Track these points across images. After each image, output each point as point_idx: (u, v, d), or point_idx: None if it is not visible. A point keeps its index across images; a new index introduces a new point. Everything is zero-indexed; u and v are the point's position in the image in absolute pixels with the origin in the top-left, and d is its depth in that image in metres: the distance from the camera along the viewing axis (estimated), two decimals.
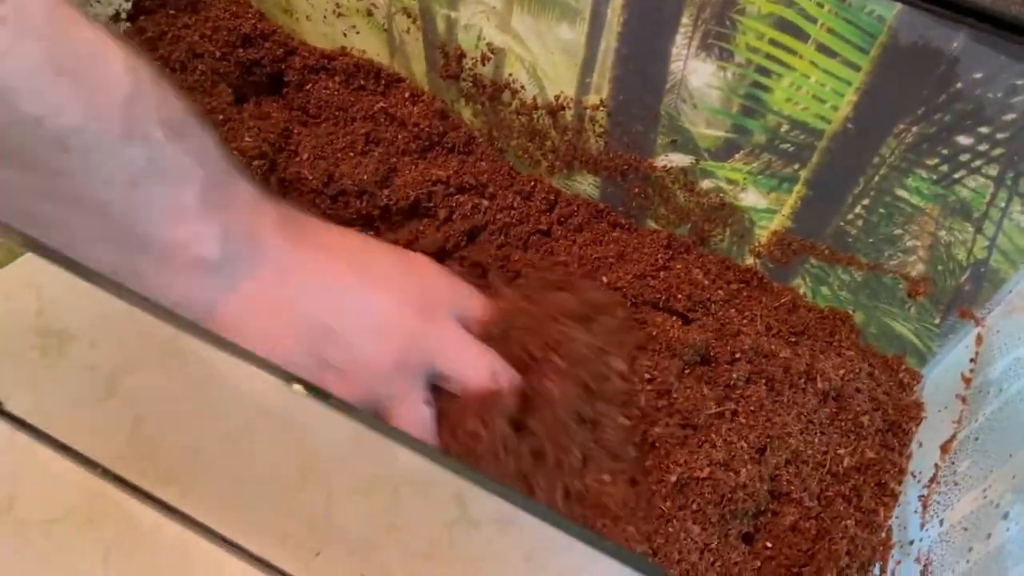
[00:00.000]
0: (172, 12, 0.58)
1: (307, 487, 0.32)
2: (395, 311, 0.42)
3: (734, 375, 0.52)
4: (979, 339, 0.50)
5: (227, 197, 0.39)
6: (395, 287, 0.43)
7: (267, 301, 0.40)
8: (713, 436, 0.49)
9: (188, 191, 0.36)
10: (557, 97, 0.55)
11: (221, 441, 0.34)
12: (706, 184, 0.54)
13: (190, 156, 0.36)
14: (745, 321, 0.55)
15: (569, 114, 0.55)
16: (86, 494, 0.38)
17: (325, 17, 0.59)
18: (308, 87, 0.59)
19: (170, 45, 0.56)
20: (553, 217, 0.59)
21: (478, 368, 0.44)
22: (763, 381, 0.52)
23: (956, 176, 0.46)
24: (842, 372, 0.53)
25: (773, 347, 0.53)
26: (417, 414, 0.43)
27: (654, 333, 0.53)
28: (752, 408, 0.51)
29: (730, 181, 0.53)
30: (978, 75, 0.41)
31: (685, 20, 0.46)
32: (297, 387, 0.26)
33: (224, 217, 0.38)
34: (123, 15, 0.58)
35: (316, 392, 0.26)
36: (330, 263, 0.42)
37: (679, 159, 0.54)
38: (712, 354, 0.53)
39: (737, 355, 0.53)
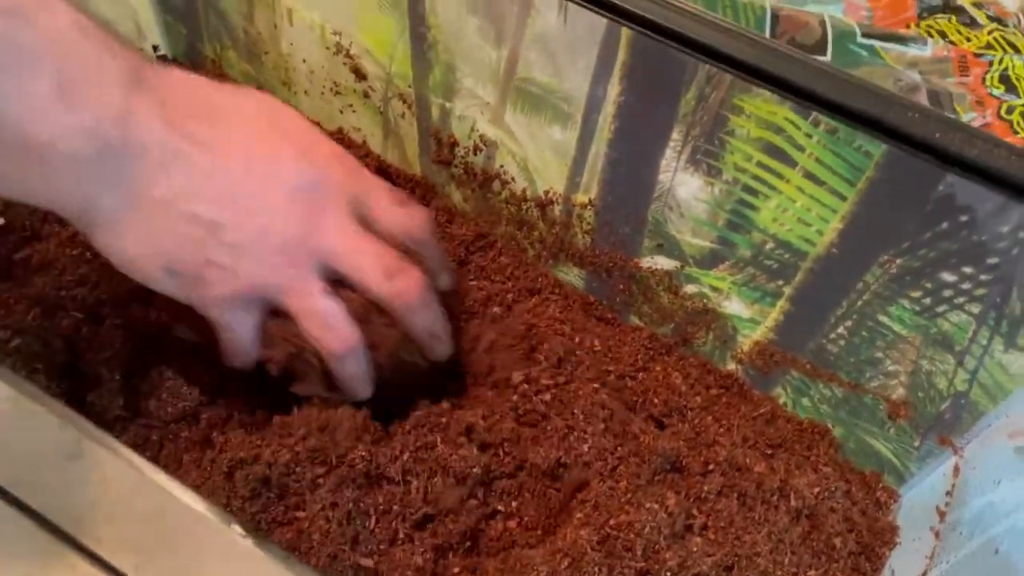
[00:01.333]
0: None
1: None
2: (284, 203, 0.39)
3: (705, 487, 0.51)
4: (956, 470, 0.50)
5: (92, 81, 0.34)
6: (289, 174, 0.40)
7: (146, 200, 0.37)
8: (680, 551, 0.48)
9: (41, 81, 0.33)
10: (547, 192, 0.55)
11: None
12: (690, 288, 0.54)
13: (44, 39, 0.33)
14: (722, 430, 0.54)
15: (558, 209, 0.55)
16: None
17: (323, 93, 0.59)
18: None
19: None
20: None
21: (374, 270, 0.41)
22: (735, 495, 0.51)
23: (939, 310, 0.45)
24: (817, 490, 0.53)
25: (748, 460, 0.52)
26: (315, 304, 0.40)
27: (628, 437, 0.52)
28: (722, 524, 0.50)
29: (714, 288, 0.53)
30: (963, 218, 0.41)
31: (675, 135, 0.46)
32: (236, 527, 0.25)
33: (90, 106, 0.34)
34: None
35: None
36: (217, 144, 0.38)
37: (664, 262, 0.54)
38: (684, 463, 0.52)
39: (711, 466, 0.52)
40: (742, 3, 0.71)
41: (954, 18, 0.77)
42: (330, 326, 0.41)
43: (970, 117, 0.69)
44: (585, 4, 0.43)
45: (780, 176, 0.45)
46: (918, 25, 0.77)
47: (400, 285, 0.42)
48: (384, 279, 0.41)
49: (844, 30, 0.71)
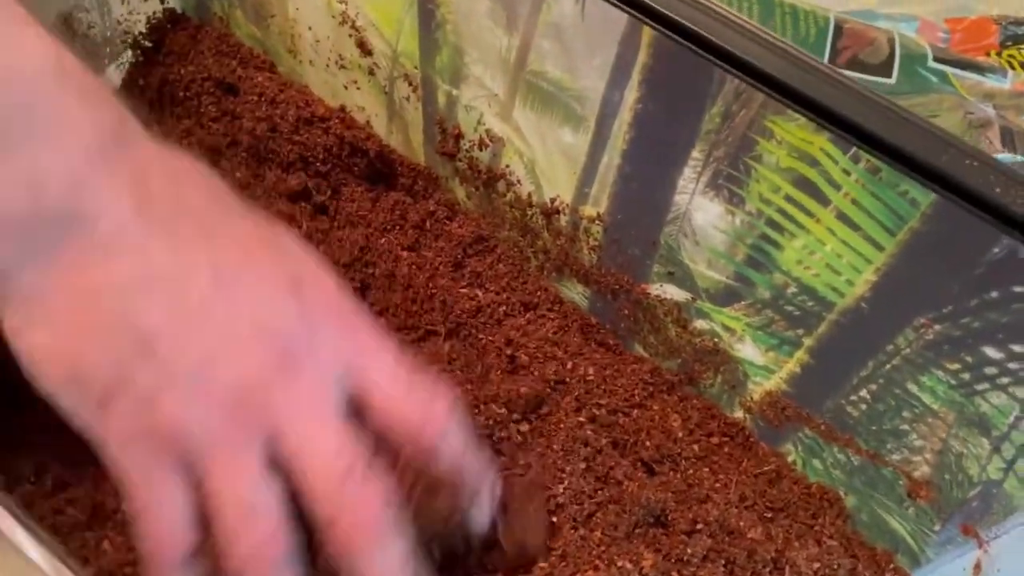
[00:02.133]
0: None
1: None
2: (248, 339, 0.30)
3: (689, 550, 0.45)
4: (978, 567, 0.43)
5: (52, 131, 0.28)
6: (268, 307, 0.31)
7: (75, 285, 0.29)
8: None
9: None
10: (553, 200, 0.49)
11: None
12: (701, 324, 0.48)
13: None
14: (718, 485, 0.48)
15: (564, 219, 0.50)
16: None
17: (328, 66, 0.54)
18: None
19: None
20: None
21: (335, 457, 0.30)
22: (722, 563, 0.45)
23: (978, 388, 0.39)
24: (817, 566, 0.47)
25: (743, 523, 0.47)
26: (243, 486, 0.29)
27: (612, 481, 0.47)
28: None
29: (727, 328, 0.47)
30: (1019, 288, 0.35)
31: (696, 154, 0.41)
32: None
33: (40, 158, 0.28)
34: None
35: None
36: (186, 246, 0.30)
37: (675, 292, 0.48)
38: (670, 518, 0.46)
39: (699, 525, 0.46)
40: (804, 11, 0.64)
41: None
42: (251, 517, 0.29)
43: None
44: None
45: (810, 214, 0.39)
46: (999, 54, 0.70)
47: (348, 512, 0.30)
48: (332, 491, 0.30)
49: (915, 52, 0.64)
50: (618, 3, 0.37)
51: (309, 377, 0.31)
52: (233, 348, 0.30)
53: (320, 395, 0.31)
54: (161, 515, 0.30)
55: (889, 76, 0.63)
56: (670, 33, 0.36)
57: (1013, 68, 0.68)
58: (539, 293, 0.54)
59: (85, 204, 0.29)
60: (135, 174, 0.30)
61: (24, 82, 0.28)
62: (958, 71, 0.64)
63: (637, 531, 0.46)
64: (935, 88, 0.63)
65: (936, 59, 0.64)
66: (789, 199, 0.39)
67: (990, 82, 0.65)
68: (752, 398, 0.49)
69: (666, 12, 0.35)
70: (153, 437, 0.29)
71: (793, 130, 0.36)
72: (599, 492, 0.47)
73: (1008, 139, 0.62)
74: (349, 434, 0.31)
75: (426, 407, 0.32)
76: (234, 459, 0.30)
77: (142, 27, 0.58)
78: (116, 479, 0.30)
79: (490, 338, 0.50)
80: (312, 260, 0.33)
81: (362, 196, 0.54)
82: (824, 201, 0.38)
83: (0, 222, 0.28)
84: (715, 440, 0.51)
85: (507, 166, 0.50)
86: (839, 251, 0.39)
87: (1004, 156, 0.62)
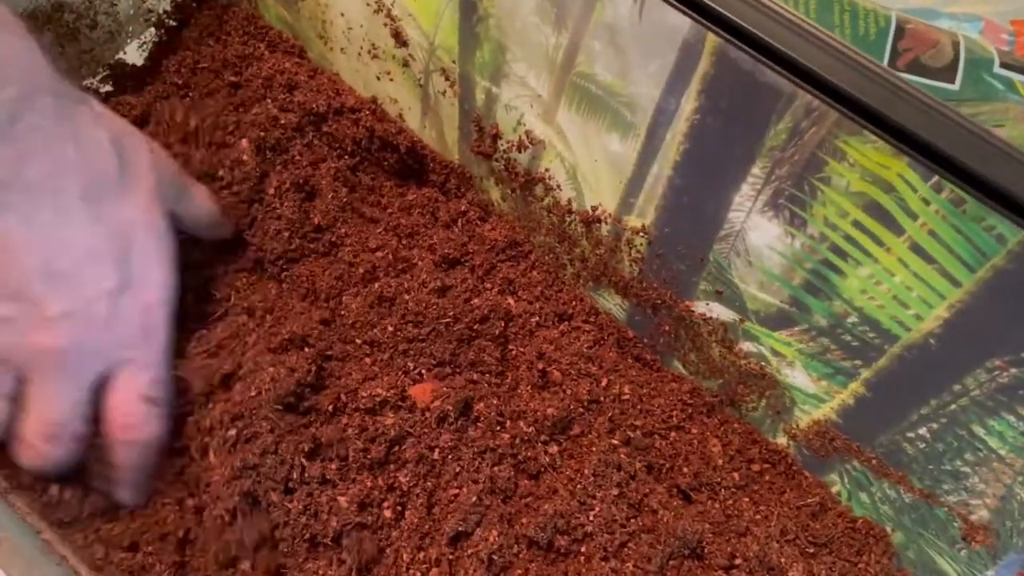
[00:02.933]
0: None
1: None
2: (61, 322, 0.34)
3: None
4: None
5: None
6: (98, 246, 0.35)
7: None
8: None
9: None
10: (595, 208, 0.46)
11: None
12: (747, 346, 0.45)
13: None
14: (758, 517, 0.46)
15: (605, 228, 0.47)
16: None
17: (359, 55, 0.51)
18: None
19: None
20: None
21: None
22: None
23: None
24: None
25: (783, 559, 0.44)
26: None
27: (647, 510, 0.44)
28: None
29: (776, 352, 0.44)
30: None
31: (756, 170, 0.38)
32: None
33: None
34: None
35: None
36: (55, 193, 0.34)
37: (721, 311, 0.45)
38: (706, 551, 0.44)
39: (737, 560, 0.44)
40: (864, 9, 0.60)
41: None
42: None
43: None
44: None
45: (880, 243, 0.36)
46: None
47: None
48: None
49: (981, 56, 0.60)
50: (681, 6, 0.34)
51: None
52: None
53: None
54: None
55: (952, 82, 0.59)
56: (738, 42, 0.33)
57: None
58: (574, 303, 0.51)
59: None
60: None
61: None
62: None
63: (671, 563, 0.44)
64: (1000, 96, 0.59)
65: (1003, 64, 0.60)
66: (858, 225, 0.36)
67: None
68: (798, 425, 0.46)
69: (735, 19, 0.32)
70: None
71: (869, 152, 0.33)
72: (632, 521, 0.44)
73: None
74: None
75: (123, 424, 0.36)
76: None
77: (167, 5, 0.55)
78: None
79: (521, 349, 0.47)
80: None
81: (391, 191, 0.52)
82: (898, 230, 0.35)
83: None
84: (756, 467, 0.48)
85: (547, 170, 0.47)
86: (909, 283, 0.36)
87: None
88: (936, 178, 0.32)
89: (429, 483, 0.42)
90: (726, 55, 0.34)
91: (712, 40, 0.34)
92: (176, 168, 0.41)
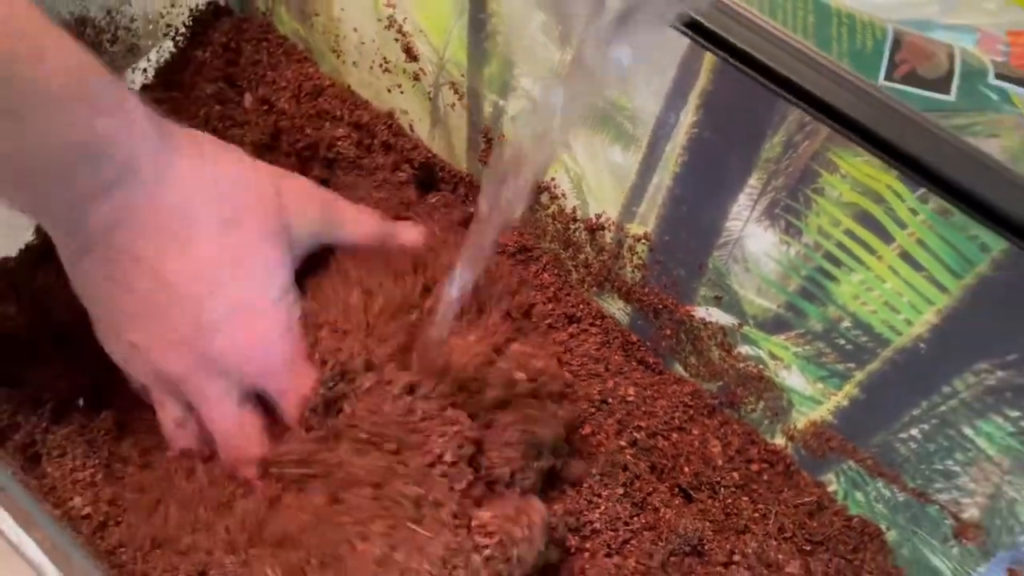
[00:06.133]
0: None
1: None
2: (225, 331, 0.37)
3: None
4: None
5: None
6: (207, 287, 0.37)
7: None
8: None
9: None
10: (599, 215, 0.48)
11: None
12: (746, 350, 0.47)
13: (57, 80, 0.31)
14: (757, 516, 0.47)
15: (608, 236, 0.49)
16: None
17: (371, 68, 0.53)
18: None
19: None
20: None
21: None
22: None
23: None
24: None
25: (781, 556, 0.46)
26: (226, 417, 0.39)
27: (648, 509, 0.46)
28: None
29: (774, 356, 0.46)
30: None
31: (753, 181, 0.39)
32: None
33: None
34: None
35: None
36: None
37: (721, 316, 0.47)
38: (707, 548, 0.45)
39: (736, 557, 0.45)
40: (861, 22, 0.62)
41: None
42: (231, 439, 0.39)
43: None
44: None
45: (872, 251, 0.37)
46: None
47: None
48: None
49: (975, 67, 0.61)
50: (680, 27, 0.35)
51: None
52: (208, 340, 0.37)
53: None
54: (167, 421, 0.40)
55: (948, 92, 0.61)
56: (733, 60, 0.35)
57: None
58: (581, 306, 0.52)
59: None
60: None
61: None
62: (1020, 90, 0.62)
63: (672, 560, 0.45)
64: (995, 107, 0.61)
65: (998, 76, 0.62)
66: (850, 234, 0.37)
67: None
68: (795, 426, 0.48)
69: (730, 39, 0.34)
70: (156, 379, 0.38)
71: (859, 165, 0.35)
72: (635, 519, 0.46)
73: None
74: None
75: None
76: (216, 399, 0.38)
77: (185, 18, 0.57)
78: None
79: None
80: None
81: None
82: (887, 239, 0.36)
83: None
84: (755, 467, 0.49)
85: (552, 179, 0.49)
86: (899, 290, 0.37)
87: None
88: (923, 190, 0.33)
89: None
90: (723, 72, 0.36)
91: (710, 58, 0.36)
92: (318, 207, 0.42)
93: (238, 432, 0.39)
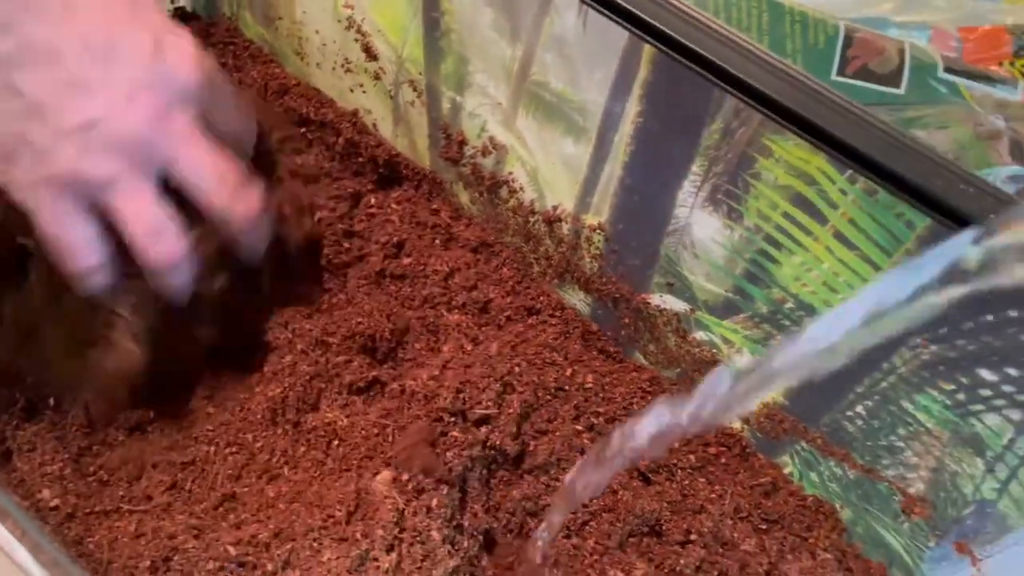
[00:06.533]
0: None
1: None
2: (124, 94, 0.35)
3: (682, 561, 0.46)
4: None
5: None
6: (136, 65, 0.36)
7: None
8: None
9: None
10: (555, 207, 0.49)
11: None
12: (700, 335, 0.49)
13: None
14: (713, 496, 0.49)
15: (566, 227, 0.50)
16: None
17: (334, 69, 0.54)
18: None
19: None
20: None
21: (216, 183, 0.38)
22: (715, 574, 0.46)
23: (973, 409, 0.39)
24: None
25: (736, 535, 0.47)
26: (146, 208, 0.37)
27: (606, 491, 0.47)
28: None
29: (726, 340, 0.47)
30: (1014, 313, 0.35)
31: (695, 168, 0.41)
32: None
33: None
34: None
35: None
36: (59, 19, 0.35)
37: (674, 303, 0.48)
38: (664, 528, 0.47)
39: (692, 536, 0.47)
40: (813, 18, 0.64)
41: None
42: (158, 234, 0.37)
43: None
44: (605, 12, 0.37)
45: (808, 232, 0.39)
46: (1012, 64, 0.69)
47: (240, 205, 0.40)
48: (226, 196, 0.39)
49: (925, 62, 0.63)
50: (619, 20, 0.37)
51: (180, 116, 0.37)
52: (113, 104, 0.35)
53: (190, 129, 0.38)
54: (70, 235, 0.37)
55: (898, 86, 0.62)
56: (670, 51, 0.36)
57: None
58: (542, 298, 0.54)
59: None
60: None
61: None
62: (969, 82, 0.63)
63: (631, 540, 0.47)
64: (945, 99, 0.63)
65: (947, 69, 0.63)
66: (787, 216, 0.39)
67: (1001, 93, 0.64)
68: (750, 409, 0.49)
69: (666, 30, 0.36)
70: (53, 183, 0.35)
71: (791, 149, 0.36)
72: (593, 501, 0.47)
73: (1017, 151, 0.62)
74: (223, 153, 0.39)
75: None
76: (134, 188, 0.36)
77: None
78: (38, 225, 0.37)
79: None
80: (170, 22, 0.39)
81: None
82: (821, 220, 0.38)
83: None
84: (712, 450, 0.51)
85: (510, 173, 0.50)
86: (836, 269, 0.39)
87: (1013, 168, 0.61)
88: (850, 171, 0.35)
89: None
90: (661, 63, 0.37)
91: (649, 49, 0.37)
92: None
93: (165, 228, 0.38)
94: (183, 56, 0.37)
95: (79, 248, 0.37)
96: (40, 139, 0.34)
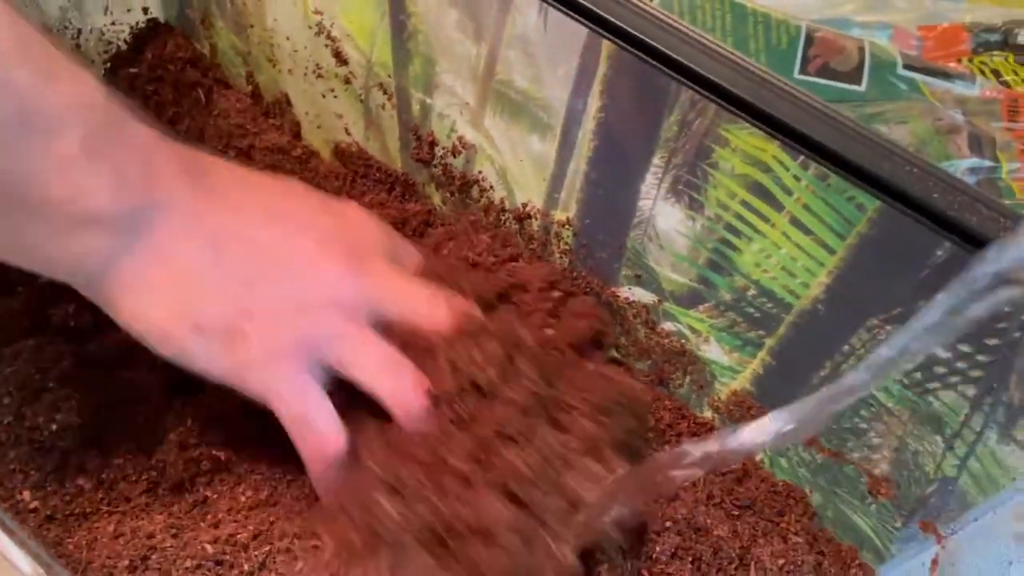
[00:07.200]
0: None
1: None
2: (317, 251, 0.37)
3: (658, 548, 0.46)
4: (935, 563, 0.45)
5: (115, 142, 0.34)
6: (318, 230, 0.39)
7: (171, 258, 0.35)
8: None
9: (66, 139, 0.31)
10: (525, 204, 0.51)
11: None
12: (668, 326, 0.50)
13: (64, 99, 0.32)
14: (686, 484, 0.50)
15: (535, 224, 0.51)
16: None
17: (305, 75, 0.55)
18: None
19: None
20: None
21: (435, 305, 0.39)
22: (689, 560, 0.47)
23: (930, 387, 0.40)
24: (782, 562, 0.48)
25: (709, 521, 0.48)
26: (376, 350, 0.37)
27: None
28: None
29: (693, 330, 0.48)
30: (962, 292, 0.36)
31: (656, 160, 0.42)
32: None
33: (114, 164, 0.33)
34: None
35: None
36: (243, 208, 0.37)
37: (642, 295, 0.49)
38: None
39: (668, 523, 0.47)
40: (776, 19, 0.65)
41: (1011, 57, 0.70)
42: (395, 371, 0.37)
43: (1013, 167, 0.63)
44: (563, 9, 0.38)
45: (765, 219, 0.40)
46: (971, 60, 0.71)
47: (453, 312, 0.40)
48: (441, 316, 0.39)
49: (884, 59, 0.65)
50: (577, 17, 0.38)
51: (372, 258, 0.39)
52: (312, 262, 0.37)
53: (388, 269, 0.40)
54: (317, 417, 0.36)
55: (859, 84, 0.64)
56: (626, 46, 0.37)
57: (983, 75, 0.69)
58: None
59: (157, 192, 0.35)
60: (180, 158, 0.36)
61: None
62: (928, 78, 0.65)
63: None
64: (904, 95, 0.65)
65: (906, 67, 0.65)
66: (745, 204, 0.40)
67: (959, 89, 0.66)
68: (720, 398, 0.50)
69: (621, 25, 0.37)
70: (287, 351, 0.35)
71: (746, 138, 0.38)
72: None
73: (976, 144, 0.64)
74: (431, 286, 0.40)
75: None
76: (358, 334, 0.37)
77: (126, 36, 0.59)
78: (276, 413, 0.36)
79: None
80: (327, 196, 0.43)
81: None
82: (778, 206, 0.39)
83: (100, 223, 0.33)
84: (685, 440, 0.52)
85: (480, 172, 0.51)
86: (794, 255, 0.40)
87: (971, 161, 0.63)
88: (803, 157, 0.36)
89: None
90: (619, 58, 0.39)
91: (607, 45, 0.39)
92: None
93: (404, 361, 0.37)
94: (354, 213, 0.42)
95: (327, 426, 0.36)
96: (261, 308, 0.36)
